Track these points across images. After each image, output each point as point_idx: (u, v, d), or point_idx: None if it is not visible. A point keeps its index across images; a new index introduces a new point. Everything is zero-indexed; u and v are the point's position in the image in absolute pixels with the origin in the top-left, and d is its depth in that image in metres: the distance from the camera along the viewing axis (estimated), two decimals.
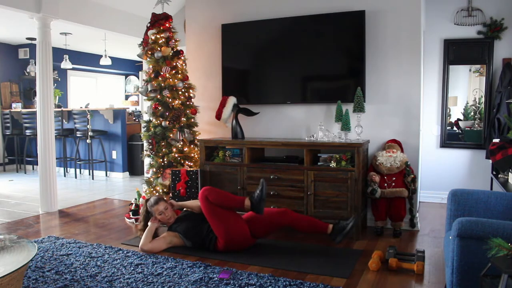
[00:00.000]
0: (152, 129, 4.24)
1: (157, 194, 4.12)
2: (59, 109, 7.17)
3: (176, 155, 4.18)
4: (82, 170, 7.46)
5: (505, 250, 1.61)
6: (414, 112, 3.85)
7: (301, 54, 4.11)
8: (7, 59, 8.09)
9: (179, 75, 4.25)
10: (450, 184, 4.63)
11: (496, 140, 3.56)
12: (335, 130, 3.94)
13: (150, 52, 4.25)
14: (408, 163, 3.71)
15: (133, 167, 7.26)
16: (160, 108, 4.21)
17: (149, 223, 3.35)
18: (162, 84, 4.18)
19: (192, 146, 4.30)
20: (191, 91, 4.35)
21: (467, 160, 4.86)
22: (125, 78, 11.34)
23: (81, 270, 2.84)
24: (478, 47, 4.71)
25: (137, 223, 3.85)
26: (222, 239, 3.12)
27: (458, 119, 4.95)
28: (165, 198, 3.49)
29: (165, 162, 4.19)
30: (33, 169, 7.91)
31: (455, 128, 4.95)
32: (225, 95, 4.33)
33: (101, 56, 8.33)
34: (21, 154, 7.73)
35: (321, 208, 3.67)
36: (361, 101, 3.71)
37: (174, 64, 4.23)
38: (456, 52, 4.81)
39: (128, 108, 8.51)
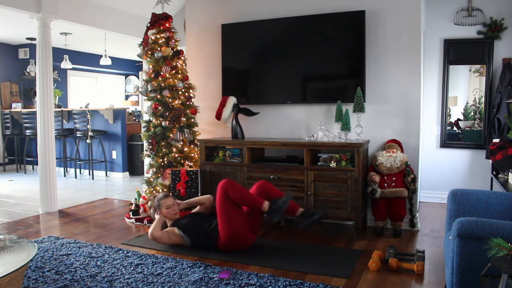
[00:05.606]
0: (152, 129, 4.24)
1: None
2: (59, 109, 7.17)
3: (176, 155, 4.18)
4: (82, 170, 7.46)
5: (505, 250, 1.61)
6: (414, 112, 3.85)
7: (301, 54, 4.11)
8: (7, 59, 8.09)
9: (179, 75, 4.25)
10: (450, 184, 4.64)
11: (496, 140, 3.56)
12: (335, 130, 3.94)
13: (150, 52, 4.25)
14: (408, 163, 3.71)
15: (133, 167, 7.26)
16: (160, 108, 4.21)
17: (155, 216, 3.41)
18: (162, 84, 4.18)
19: (192, 146, 4.30)
20: (191, 91, 4.35)
21: (467, 160, 4.86)
22: (125, 78, 11.33)
23: (81, 270, 2.84)
24: (478, 47, 4.70)
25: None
26: (225, 237, 3.12)
27: (458, 119, 4.95)
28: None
29: (165, 162, 4.19)
30: (33, 169, 7.91)
31: (455, 128, 4.95)
32: (225, 95, 4.33)
33: (101, 56, 8.33)
34: (21, 154, 7.72)
35: (321, 208, 3.66)
36: (361, 101, 3.71)
37: (174, 64, 4.23)
38: (456, 52, 4.81)
39: (128, 108, 8.51)
